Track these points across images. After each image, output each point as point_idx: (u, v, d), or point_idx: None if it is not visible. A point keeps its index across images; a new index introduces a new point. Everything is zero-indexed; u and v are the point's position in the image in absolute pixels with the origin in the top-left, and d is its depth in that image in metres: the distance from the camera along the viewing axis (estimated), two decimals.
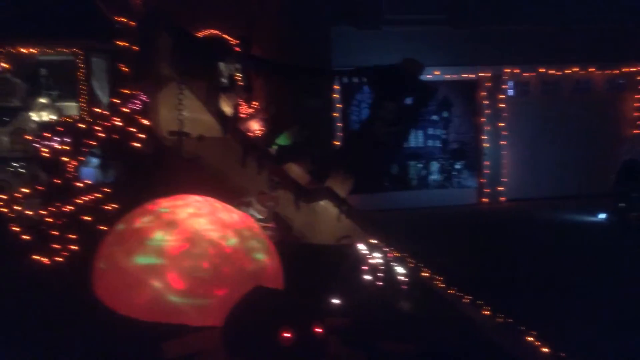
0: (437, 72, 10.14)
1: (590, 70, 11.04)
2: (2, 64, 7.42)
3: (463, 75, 10.75)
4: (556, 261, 6.65)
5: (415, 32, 10.02)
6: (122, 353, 3.28)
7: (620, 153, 8.91)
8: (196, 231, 3.93)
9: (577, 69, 10.98)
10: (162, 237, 3.86)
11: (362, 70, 7.96)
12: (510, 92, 11.05)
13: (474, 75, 10.82)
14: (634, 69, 11.20)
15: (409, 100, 7.77)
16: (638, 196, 8.38)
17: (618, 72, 11.21)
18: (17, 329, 3.85)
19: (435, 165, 10.93)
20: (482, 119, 10.89)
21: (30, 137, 6.91)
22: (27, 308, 4.18)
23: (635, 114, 11.27)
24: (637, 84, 11.32)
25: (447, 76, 10.54)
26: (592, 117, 10.99)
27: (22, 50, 8.06)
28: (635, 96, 11.32)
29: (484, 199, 10.91)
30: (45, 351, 3.53)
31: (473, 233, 8.31)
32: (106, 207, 5.98)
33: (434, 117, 10.86)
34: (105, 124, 6.66)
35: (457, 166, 11.02)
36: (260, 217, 6.06)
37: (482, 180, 10.95)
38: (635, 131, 11.04)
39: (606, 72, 11.18)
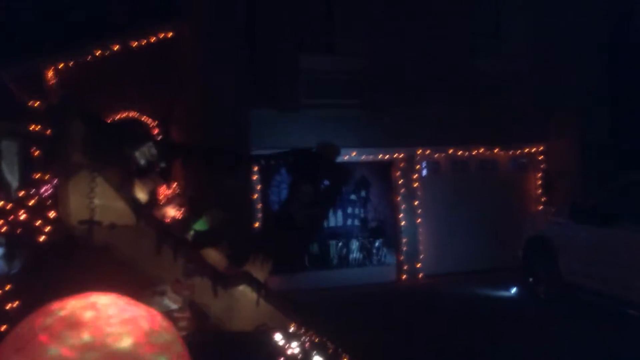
0: (354, 154, 10.50)
1: (495, 151, 11.78)
2: None
3: (378, 156, 11.18)
4: (471, 334, 6.84)
5: (331, 116, 10.42)
6: None
7: (525, 229, 9.40)
8: (99, 335, 3.74)
9: (483, 150, 11.69)
10: (62, 344, 3.64)
11: (279, 155, 8.10)
12: (424, 172, 11.55)
13: (388, 156, 11.26)
14: (534, 149, 12.06)
15: (326, 182, 7.96)
16: (544, 271, 8.80)
17: (520, 152, 12.03)
18: None
19: (354, 244, 11.10)
20: (398, 197, 11.26)
21: None
22: None
23: (538, 191, 12.05)
24: (538, 163, 12.16)
25: (363, 157, 10.93)
26: (499, 194, 11.65)
27: None
28: (537, 174, 12.13)
29: (403, 276, 11.11)
30: None
31: (392, 310, 8.45)
32: (7, 305, 5.60)
33: (352, 197, 11.13)
34: (10, 217, 6.36)
35: (376, 244, 11.24)
36: (175, 306, 5.86)
37: (400, 258, 11.19)
38: (538, 207, 11.75)
39: (510, 152, 11.97)
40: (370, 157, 11.08)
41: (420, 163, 11.46)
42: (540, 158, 12.14)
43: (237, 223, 9.44)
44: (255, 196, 10.19)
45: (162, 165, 8.62)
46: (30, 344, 3.75)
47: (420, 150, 11.33)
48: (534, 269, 8.99)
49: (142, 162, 8.29)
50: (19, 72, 8.37)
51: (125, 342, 3.89)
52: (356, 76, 10.79)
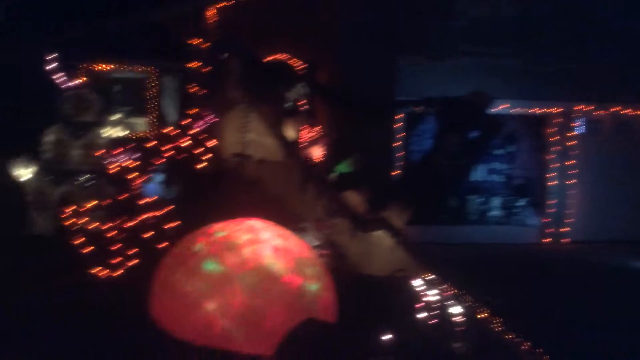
0: (506, 106, 9.93)
1: None
2: (79, 80, 7.77)
3: (532, 110, 10.48)
4: (617, 307, 6.32)
5: (482, 64, 9.86)
6: None
7: None
8: (253, 257, 3.93)
9: None
10: (219, 263, 3.89)
11: (428, 101, 7.88)
12: (581, 130, 10.67)
13: (542, 111, 10.52)
14: None
15: (474, 134, 7.63)
16: None
17: None
18: (67, 341, 3.95)
19: (496, 201, 10.64)
20: (550, 156, 10.55)
21: (100, 152, 7.17)
22: (81, 321, 4.28)
23: None
24: None
25: (516, 110, 10.30)
26: None
27: (98, 67, 8.42)
28: None
29: (546, 239, 10.51)
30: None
31: (532, 274, 8.01)
32: (167, 225, 6.10)
33: (499, 151, 10.60)
34: (173, 143, 6.85)
35: (520, 203, 10.69)
36: (317, 243, 6.04)
37: (545, 220, 10.56)
38: None
39: None
40: (523, 111, 10.41)
41: (578, 120, 10.58)
42: None
43: (378, 169, 9.49)
44: (398, 144, 10.05)
45: (309, 107, 8.80)
46: (190, 260, 4.05)
47: (580, 106, 10.43)
48: None
49: (292, 102, 8.52)
50: (179, 12, 8.80)
51: (277, 267, 4.08)
52: (512, 23, 10.07)
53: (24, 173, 7.05)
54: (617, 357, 4.87)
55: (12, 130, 7.44)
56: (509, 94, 9.78)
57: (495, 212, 10.65)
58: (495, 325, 4.99)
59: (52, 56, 7.53)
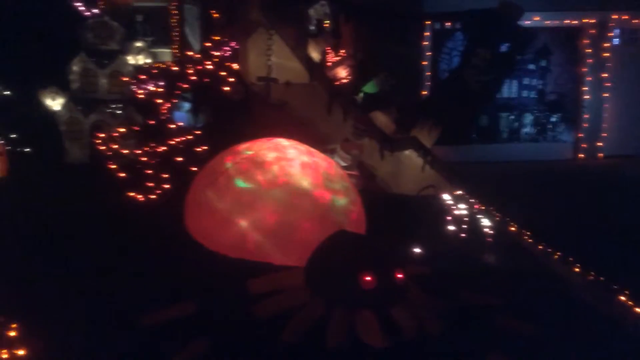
0: (537, 18, 9.53)
1: None
2: (101, 8, 7.71)
3: (565, 21, 10.04)
4: None
5: None
6: (208, 286, 3.42)
7: None
8: (282, 174, 3.98)
9: None
10: (249, 179, 3.95)
11: (457, 14, 7.63)
12: (617, 41, 10.23)
13: (577, 22, 10.08)
14: None
15: (504, 47, 7.39)
16: None
17: None
18: (107, 258, 4.12)
19: (528, 118, 10.41)
20: (584, 69, 10.17)
21: (127, 80, 7.20)
22: (120, 240, 4.44)
23: None
24: None
25: (548, 22, 9.88)
26: None
27: None
28: None
29: (580, 155, 10.32)
30: (132, 279, 3.75)
31: (566, 189, 7.90)
32: (197, 148, 6.18)
33: (531, 66, 10.26)
34: (197, 67, 6.82)
35: (553, 119, 10.44)
36: (345, 164, 6.06)
37: (579, 135, 10.34)
38: None
39: None
40: (556, 22, 9.98)
41: (614, 30, 10.12)
42: None
43: (406, 88, 9.33)
44: (425, 63, 9.82)
45: (333, 26, 8.61)
46: (220, 178, 4.12)
47: (616, 15, 9.95)
48: None
49: (316, 21, 8.33)
50: None
51: (305, 182, 4.12)
52: None
53: (53, 104, 7.16)
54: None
55: (39, 61, 7.50)
56: (540, 5, 9.39)
57: (528, 129, 10.46)
58: (525, 237, 5.01)
59: None
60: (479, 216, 5.31)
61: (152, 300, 3.34)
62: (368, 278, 3.18)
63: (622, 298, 3.65)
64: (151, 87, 6.67)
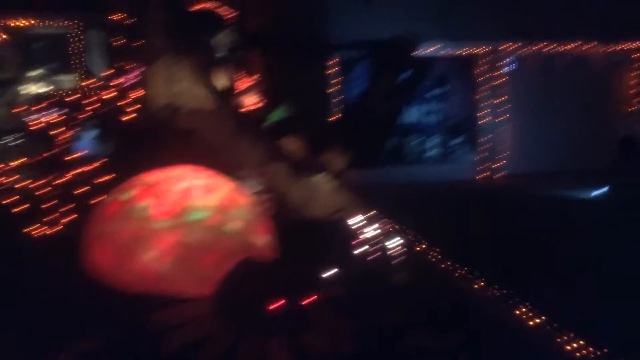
0: (434, 48, 10.04)
1: (589, 46, 10.94)
2: None
3: (461, 51, 10.65)
4: (551, 234, 6.67)
5: (410, 4, 9.87)
6: (112, 324, 3.27)
7: (617, 129, 8.87)
8: (185, 203, 3.90)
9: (576, 45, 10.88)
10: (148, 208, 3.83)
11: (360, 44, 7.88)
12: (509, 68, 10.96)
13: (472, 51, 10.71)
14: (632, 46, 11.12)
15: (404, 76, 7.71)
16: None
17: (616, 48, 11.11)
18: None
19: (432, 141, 10.90)
20: (480, 94, 10.82)
21: (21, 110, 6.84)
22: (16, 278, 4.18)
23: (631, 91, 11.22)
24: (634, 61, 11.26)
25: (446, 51, 10.43)
26: (589, 93, 10.96)
27: (16, 23, 7.95)
28: (632, 73, 11.26)
29: (481, 175, 10.89)
30: (28, 319, 3.53)
31: (468, 208, 8.30)
32: (100, 179, 5.94)
33: (431, 93, 10.79)
34: (100, 95, 6.60)
35: (455, 142, 10.99)
36: (255, 190, 6.03)
37: (479, 156, 10.92)
38: (631, 107, 11.01)
39: (606, 48, 11.08)
40: (453, 52, 10.57)
41: (505, 58, 10.84)
42: (636, 56, 11.19)
43: (315, 115, 9.47)
44: (334, 89, 10.05)
45: (240, 54, 8.62)
46: (119, 209, 3.96)
47: (506, 45, 10.68)
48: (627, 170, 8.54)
49: (221, 50, 8.31)
50: None
51: (210, 211, 4.03)
52: None
53: None
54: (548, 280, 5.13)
55: None
56: (439, 35, 9.90)
57: (431, 152, 10.91)
58: (432, 255, 5.20)
59: None
60: (388, 237, 5.44)
61: (51, 338, 3.15)
62: (277, 304, 3.17)
63: (523, 310, 3.85)
64: (49, 117, 6.38)
